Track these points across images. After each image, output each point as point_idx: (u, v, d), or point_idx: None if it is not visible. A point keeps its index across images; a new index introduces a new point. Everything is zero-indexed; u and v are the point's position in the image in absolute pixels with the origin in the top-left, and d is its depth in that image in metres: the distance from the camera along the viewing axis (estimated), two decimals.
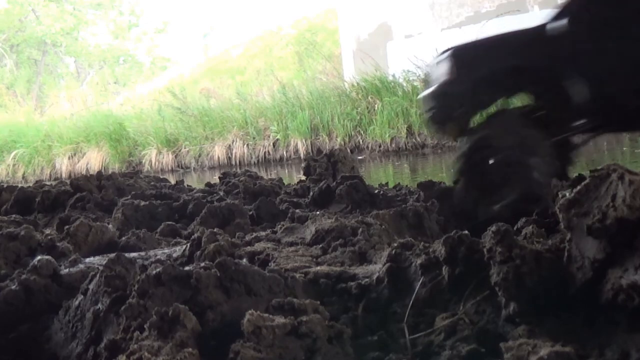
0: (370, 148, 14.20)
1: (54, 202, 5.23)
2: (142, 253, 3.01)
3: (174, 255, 2.80)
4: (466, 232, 1.84)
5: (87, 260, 2.75)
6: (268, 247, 2.79)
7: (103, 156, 18.29)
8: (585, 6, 3.64)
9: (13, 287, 2.15)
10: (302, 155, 14.29)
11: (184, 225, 4.05)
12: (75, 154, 18.99)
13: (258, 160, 15.61)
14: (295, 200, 4.85)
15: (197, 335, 1.59)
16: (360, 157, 13.43)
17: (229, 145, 16.13)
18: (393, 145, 13.93)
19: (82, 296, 1.98)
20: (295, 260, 2.50)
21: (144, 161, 17.45)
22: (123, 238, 3.40)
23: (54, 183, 8.17)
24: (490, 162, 3.53)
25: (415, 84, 13.96)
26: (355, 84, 15.34)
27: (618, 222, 1.44)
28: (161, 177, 9.08)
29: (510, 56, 3.75)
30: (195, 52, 38.21)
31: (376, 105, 14.26)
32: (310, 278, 2.13)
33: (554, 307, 1.53)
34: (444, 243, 1.82)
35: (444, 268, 1.83)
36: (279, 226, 3.37)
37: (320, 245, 2.78)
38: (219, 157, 16.15)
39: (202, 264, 1.87)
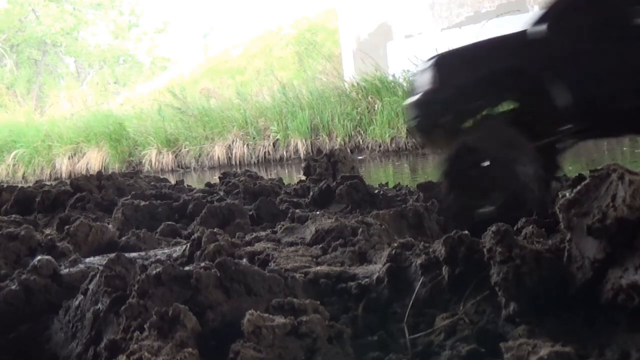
0: (370, 148, 14.19)
1: (54, 202, 5.23)
2: (142, 253, 3.02)
3: (174, 255, 2.80)
4: (466, 232, 1.84)
5: (87, 260, 2.75)
6: (268, 247, 2.79)
7: (103, 156, 18.29)
8: (564, 11, 3.66)
9: (13, 287, 2.15)
10: (302, 155, 14.28)
11: (184, 225, 4.06)
12: (75, 154, 18.99)
13: (258, 160, 15.60)
14: (295, 200, 4.86)
15: (197, 335, 1.59)
16: (360, 157, 13.42)
17: (229, 145, 16.12)
18: (393, 145, 13.92)
19: (82, 296, 1.98)
20: (295, 260, 2.51)
21: (144, 161, 17.45)
22: (123, 238, 3.40)
23: (54, 183, 8.18)
24: (475, 167, 3.53)
25: None
26: (355, 84, 15.33)
27: (618, 222, 1.44)
28: (161, 177, 9.08)
29: (493, 62, 3.75)
30: (195, 52, 38.22)
31: (376, 105, 14.25)
32: (310, 278, 2.13)
33: (554, 307, 1.54)
34: (444, 243, 1.83)
35: (444, 268, 1.83)
36: (279, 226, 3.37)
37: (320, 245, 2.78)
38: (219, 157, 16.15)
39: (202, 264, 1.88)
